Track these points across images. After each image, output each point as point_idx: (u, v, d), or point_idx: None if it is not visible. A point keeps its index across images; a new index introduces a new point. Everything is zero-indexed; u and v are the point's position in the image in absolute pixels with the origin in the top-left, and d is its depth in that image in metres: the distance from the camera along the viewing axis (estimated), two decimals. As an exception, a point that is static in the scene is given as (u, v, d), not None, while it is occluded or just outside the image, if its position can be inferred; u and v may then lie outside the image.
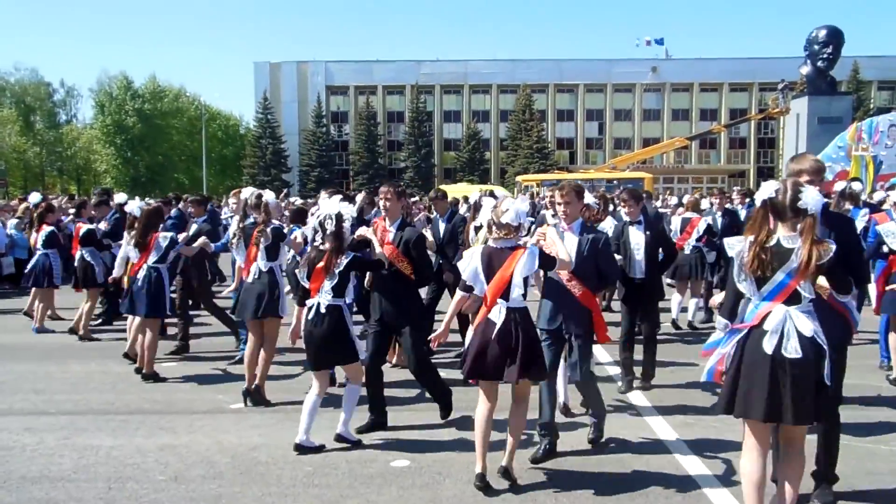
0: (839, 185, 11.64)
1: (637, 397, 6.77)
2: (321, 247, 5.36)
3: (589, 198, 6.45)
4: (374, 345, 5.83)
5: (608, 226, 8.01)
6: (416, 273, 5.76)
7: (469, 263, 4.69)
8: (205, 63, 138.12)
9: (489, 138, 75.01)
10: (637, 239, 6.94)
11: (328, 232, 5.29)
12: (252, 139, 71.87)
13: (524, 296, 4.61)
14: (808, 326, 3.58)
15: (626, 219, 7.12)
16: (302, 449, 5.29)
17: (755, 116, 56.09)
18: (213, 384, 7.49)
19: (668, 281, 11.04)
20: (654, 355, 7.07)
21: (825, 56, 37.94)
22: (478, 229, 7.68)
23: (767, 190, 3.72)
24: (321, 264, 5.26)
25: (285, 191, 11.87)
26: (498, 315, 4.52)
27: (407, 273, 5.70)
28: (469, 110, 75.47)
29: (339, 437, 5.45)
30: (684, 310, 10.31)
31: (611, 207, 10.47)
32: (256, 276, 6.67)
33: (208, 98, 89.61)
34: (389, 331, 5.94)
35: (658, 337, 7.34)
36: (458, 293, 4.95)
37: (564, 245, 4.93)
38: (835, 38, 37.95)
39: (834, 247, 3.53)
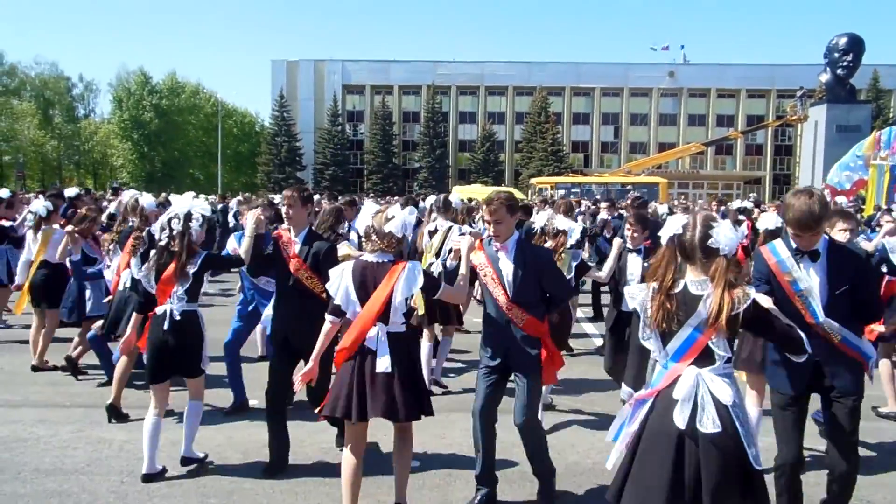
0: (840, 199, 11.51)
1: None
2: (171, 248, 4.86)
3: (564, 222, 5.78)
4: (278, 376, 5.02)
5: (573, 227, 6.79)
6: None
7: (339, 282, 4.00)
8: (223, 60, 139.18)
9: (504, 140, 74.97)
10: (635, 269, 6.13)
11: (175, 232, 4.83)
12: (268, 136, 72.22)
13: (406, 319, 4.02)
14: (727, 393, 2.91)
15: (628, 244, 6.31)
16: (150, 477, 4.82)
17: (772, 123, 55.85)
18: (224, 380, 7.50)
19: None
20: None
21: (845, 64, 37.74)
22: (432, 233, 7.41)
23: (674, 225, 3.11)
24: (171, 267, 4.81)
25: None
26: (375, 341, 3.90)
27: (317, 291, 4.85)
28: (484, 112, 75.43)
29: (185, 460, 5.01)
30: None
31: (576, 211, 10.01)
32: (128, 285, 6.39)
33: (225, 95, 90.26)
34: (295, 356, 5.05)
35: None
36: (326, 321, 4.14)
37: (499, 268, 4.32)
38: (855, 45, 37.76)
39: (753, 294, 2.94)
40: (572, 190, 42.20)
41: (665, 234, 3.12)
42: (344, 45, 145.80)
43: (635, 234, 6.18)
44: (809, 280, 3.75)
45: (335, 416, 3.99)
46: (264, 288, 6.32)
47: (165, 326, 4.78)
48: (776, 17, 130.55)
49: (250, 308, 6.62)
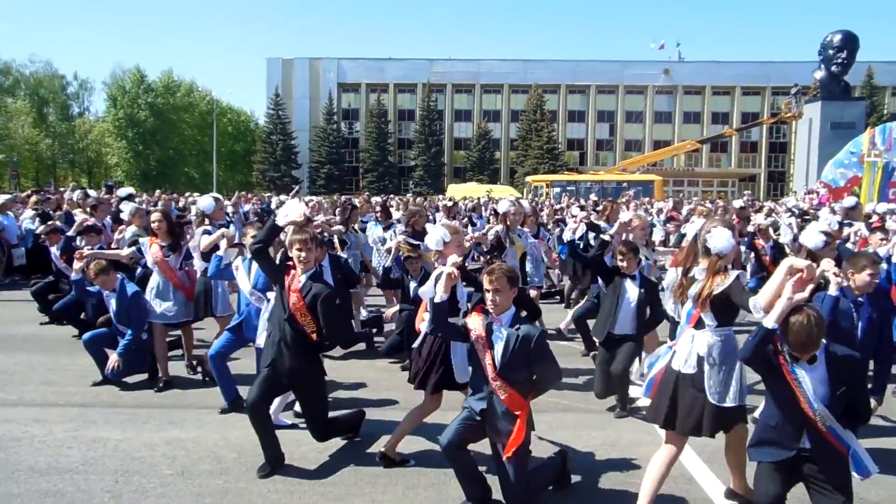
0: (849, 201, 11.49)
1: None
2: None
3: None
4: (262, 388, 4.95)
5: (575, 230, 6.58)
6: (319, 334, 4.92)
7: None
8: (218, 59, 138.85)
9: (500, 138, 75.01)
10: (632, 294, 6.21)
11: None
12: (263, 135, 72.10)
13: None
14: (704, 344, 4.11)
15: (622, 270, 6.33)
16: None
17: (767, 121, 56.02)
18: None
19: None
20: (627, 389, 6.40)
21: (839, 61, 37.83)
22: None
23: (696, 227, 4.40)
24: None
25: (296, 188, 11.83)
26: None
27: (308, 331, 4.89)
28: (480, 110, 75.45)
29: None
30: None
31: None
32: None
33: (220, 93, 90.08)
34: (280, 381, 5.02)
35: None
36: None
37: (491, 340, 4.28)
38: (849, 43, 37.85)
39: (732, 277, 4.04)
40: (567, 188, 42.25)
41: (689, 233, 4.29)
42: (339, 43, 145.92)
43: (628, 263, 6.20)
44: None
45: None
46: (259, 305, 6.13)
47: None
48: (771, 14, 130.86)
49: (242, 321, 6.28)
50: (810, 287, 3.53)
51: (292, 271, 4.99)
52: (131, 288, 7.11)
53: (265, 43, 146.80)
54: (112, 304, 7.15)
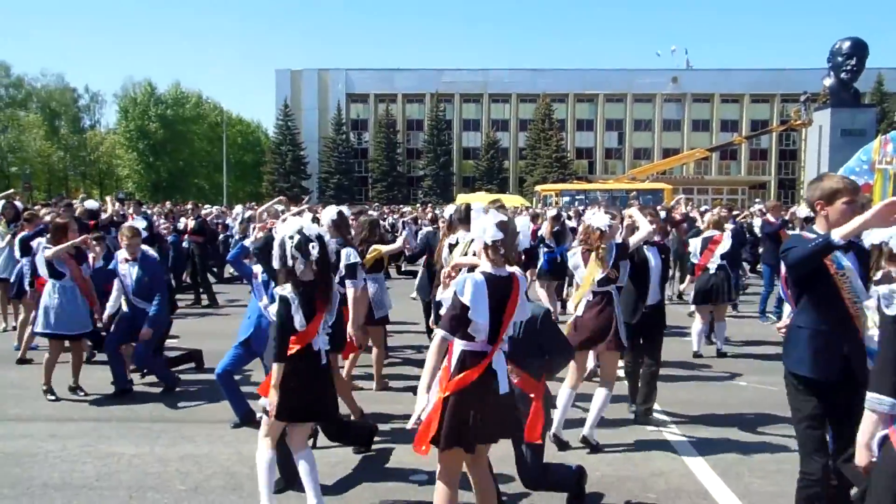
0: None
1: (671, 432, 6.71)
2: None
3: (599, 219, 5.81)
4: None
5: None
6: None
7: (473, 294, 3.58)
8: (227, 70, 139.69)
9: (508, 147, 75.07)
10: (655, 262, 6.45)
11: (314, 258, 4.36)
12: (272, 146, 72.42)
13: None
14: None
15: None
16: None
17: (777, 128, 55.73)
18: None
19: (691, 308, 10.72)
20: (654, 390, 6.50)
21: (849, 68, 37.66)
22: (452, 246, 6.94)
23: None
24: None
25: (306, 198, 11.87)
26: (498, 362, 3.74)
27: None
28: (488, 119, 75.57)
29: None
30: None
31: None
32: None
33: (229, 105, 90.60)
34: None
35: (677, 372, 7.00)
36: (439, 337, 3.66)
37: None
38: (859, 49, 37.68)
39: None
40: (577, 197, 42.19)
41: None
42: (348, 54, 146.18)
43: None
44: (848, 262, 3.68)
45: (456, 445, 3.64)
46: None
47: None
48: (779, 21, 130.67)
49: (250, 336, 6.17)
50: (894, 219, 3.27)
51: None
52: (152, 255, 7.65)
53: (274, 54, 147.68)
54: (131, 276, 7.32)
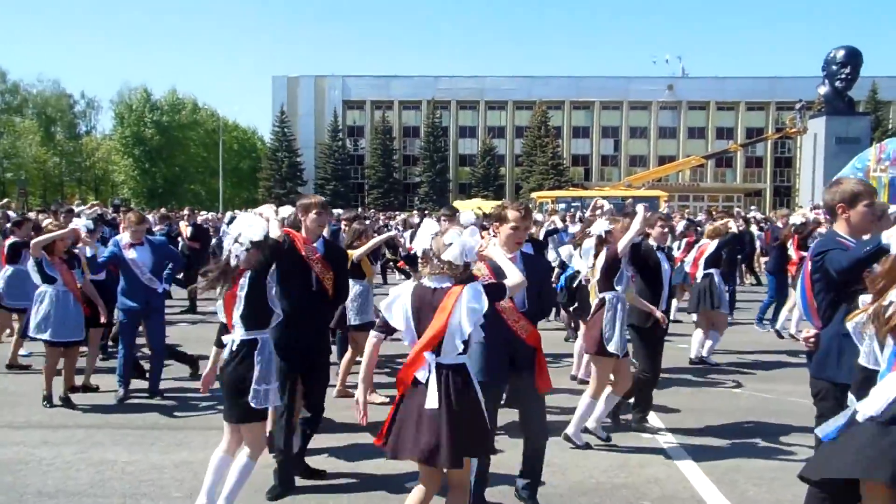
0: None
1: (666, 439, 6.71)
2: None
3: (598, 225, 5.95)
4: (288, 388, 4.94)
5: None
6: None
7: (399, 304, 3.64)
8: (224, 77, 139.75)
9: (504, 154, 75.21)
10: (667, 266, 6.43)
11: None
12: (268, 152, 72.44)
13: (465, 349, 3.58)
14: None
15: (653, 243, 6.42)
16: None
17: (772, 136, 55.92)
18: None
19: (693, 318, 10.55)
20: (650, 398, 6.44)
21: (843, 76, 37.88)
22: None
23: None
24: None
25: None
26: (426, 374, 3.53)
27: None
28: (485, 126, 75.72)
29: None
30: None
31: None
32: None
33: (226, 111, 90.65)
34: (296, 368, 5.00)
35: (672, 378, 6.98)
36: (372, 337, 3.81)
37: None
38: (853, 58, 37.92)
39: None
40: (573, 204, 42.23)
41: None
42: (344, 61, 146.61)
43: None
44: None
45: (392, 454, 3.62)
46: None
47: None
48: (775, 30, 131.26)
49: None
50: None
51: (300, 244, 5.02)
52: (156, 237, 8.16)
53: (270, 61, 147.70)
54: (143, 258, 7.28)
